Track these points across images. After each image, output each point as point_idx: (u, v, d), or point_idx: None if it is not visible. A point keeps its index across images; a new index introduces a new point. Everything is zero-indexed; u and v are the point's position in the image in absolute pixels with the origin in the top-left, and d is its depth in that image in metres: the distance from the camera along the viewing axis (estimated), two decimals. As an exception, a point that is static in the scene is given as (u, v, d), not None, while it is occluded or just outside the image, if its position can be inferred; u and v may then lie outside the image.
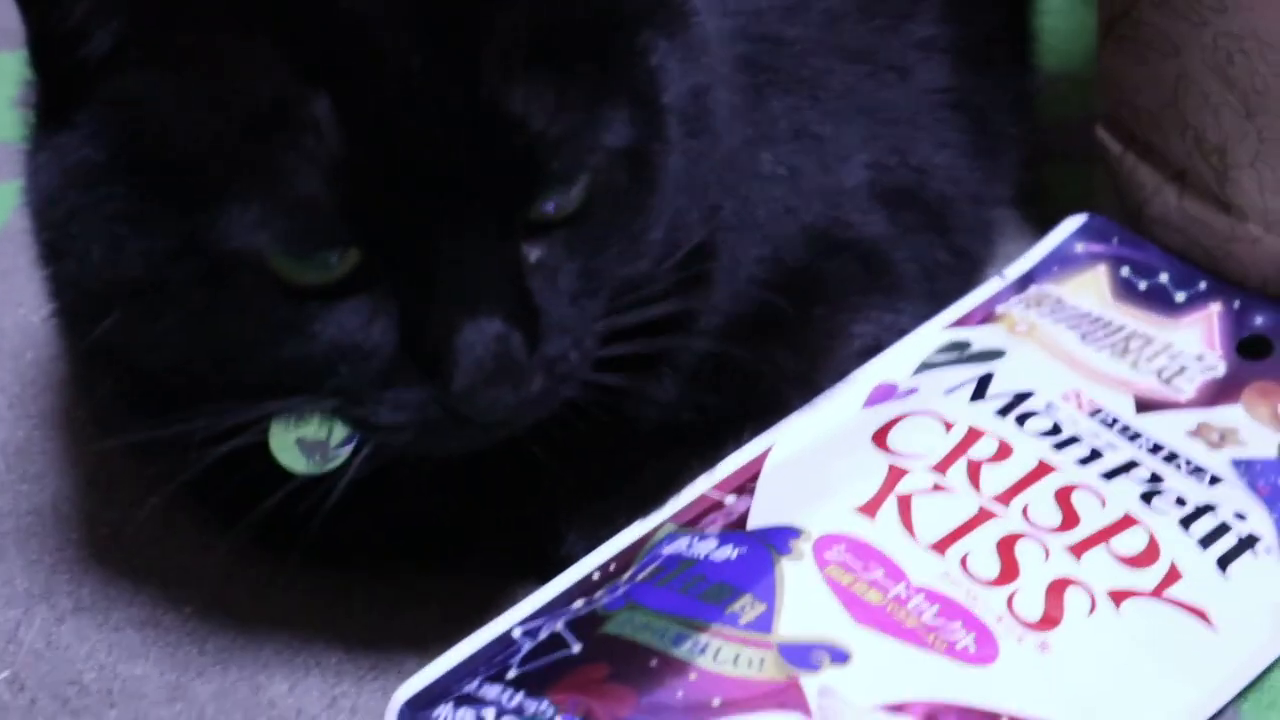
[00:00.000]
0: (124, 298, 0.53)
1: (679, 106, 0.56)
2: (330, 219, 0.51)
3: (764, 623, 0.57)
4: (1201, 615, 0.60)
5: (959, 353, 0.71)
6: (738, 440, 0.66)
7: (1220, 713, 0.59)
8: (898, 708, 0.55)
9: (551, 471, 0.61)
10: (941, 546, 0.61)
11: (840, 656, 0.56)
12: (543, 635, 0.59)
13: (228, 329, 0.53)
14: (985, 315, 0.73)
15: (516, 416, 0.54)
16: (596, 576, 0.62)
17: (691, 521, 0.64)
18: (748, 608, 0.58)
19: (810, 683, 0.55)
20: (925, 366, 0.70)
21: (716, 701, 0.55)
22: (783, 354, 0.65)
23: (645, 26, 0.55)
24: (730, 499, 0.64)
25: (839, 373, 0.69)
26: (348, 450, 0.57)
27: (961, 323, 0.73)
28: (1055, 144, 0.86)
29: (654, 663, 0.56)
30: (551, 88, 0.52)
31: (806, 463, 0.65)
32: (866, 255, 0.69)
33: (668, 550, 0.62)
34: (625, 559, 0.62)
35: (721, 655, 0.56)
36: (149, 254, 0.52)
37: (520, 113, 0.51)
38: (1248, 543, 0.63)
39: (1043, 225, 0.79)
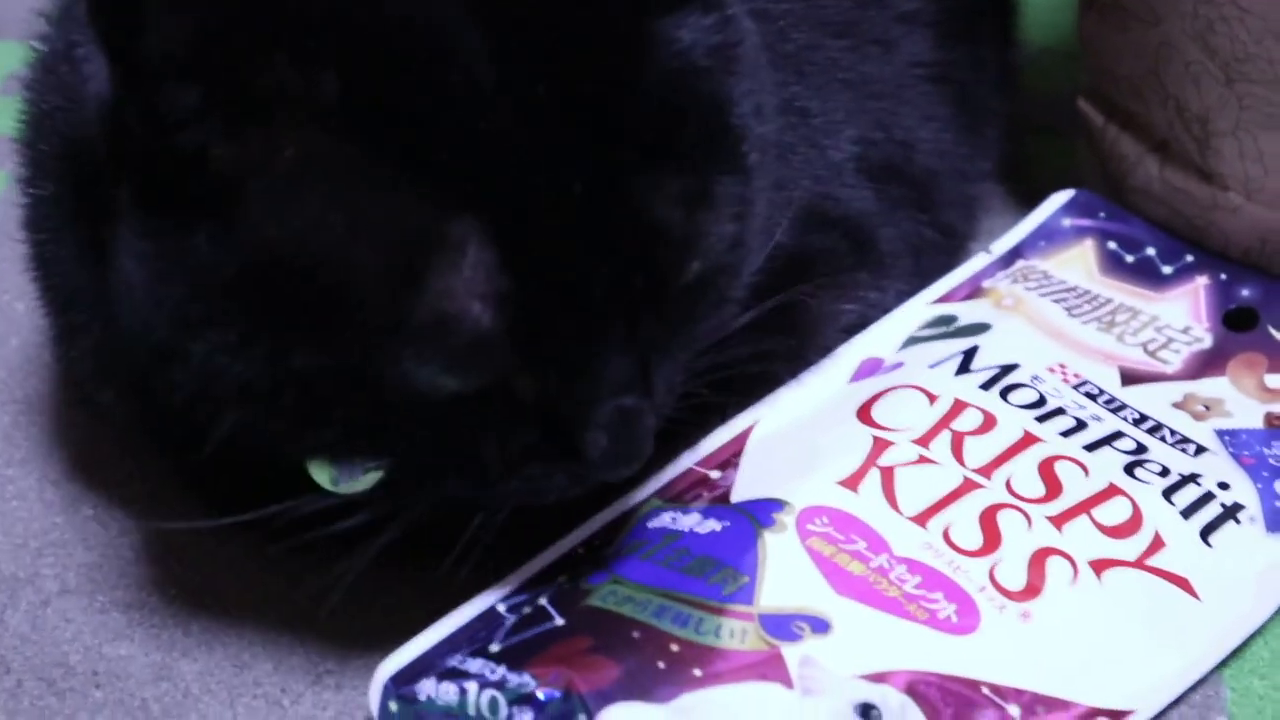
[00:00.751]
0: (252, 404, 0.52)
1: (757, 153, 0.55)
2: (503, 351, 0.51)
3: (746, 594, 0.57)
4: (1184, 584, 0.60)
5: (945, 327, 0.71)
6: (722, 418, 0.66)
7: (1203, 680, 0.59)
8: (879, 677, 0.55)
9: None
10: (924, 518, 0.60)
11: (821, 626, 0.56)
12: (526, 610, 0.59)
13: (374, 435, 0.53)
14: (971, 290, 0.73)
15: None
16: (581, 551, 0.62)
17: (676, 496, 0.64)
18: (730, 580, 0.58)
19: (791, 653, 0.55)
20: (911, 341, 0.70)
21: (698, 673, 0.55)
22: (773, 336, 0.65)
23: (722, 75, 0.54)
24: (715, 474, 0.64)
25: (826, 350, 0.69)
26: (375, 475, 0.57)
27: (947, 298, 0.73)
28: (1039, 117, 0.86)
29: (636, 635, 0.56)
30: (683, 188, 0.52)
31: (791, 437, 0.65)
32: (853, 232, 0.69)
33: (652, 524, 0.62)
34: (609, 534, 0.62)
35: (704, 627, 0.56)
36: (300, 374, 0.51)
37: (665, 222, 0.51)
38: (1231, 512, 0.63)
39: (1027, 200, 0.79)
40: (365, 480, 0.57)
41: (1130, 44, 0.73)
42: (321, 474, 0.57)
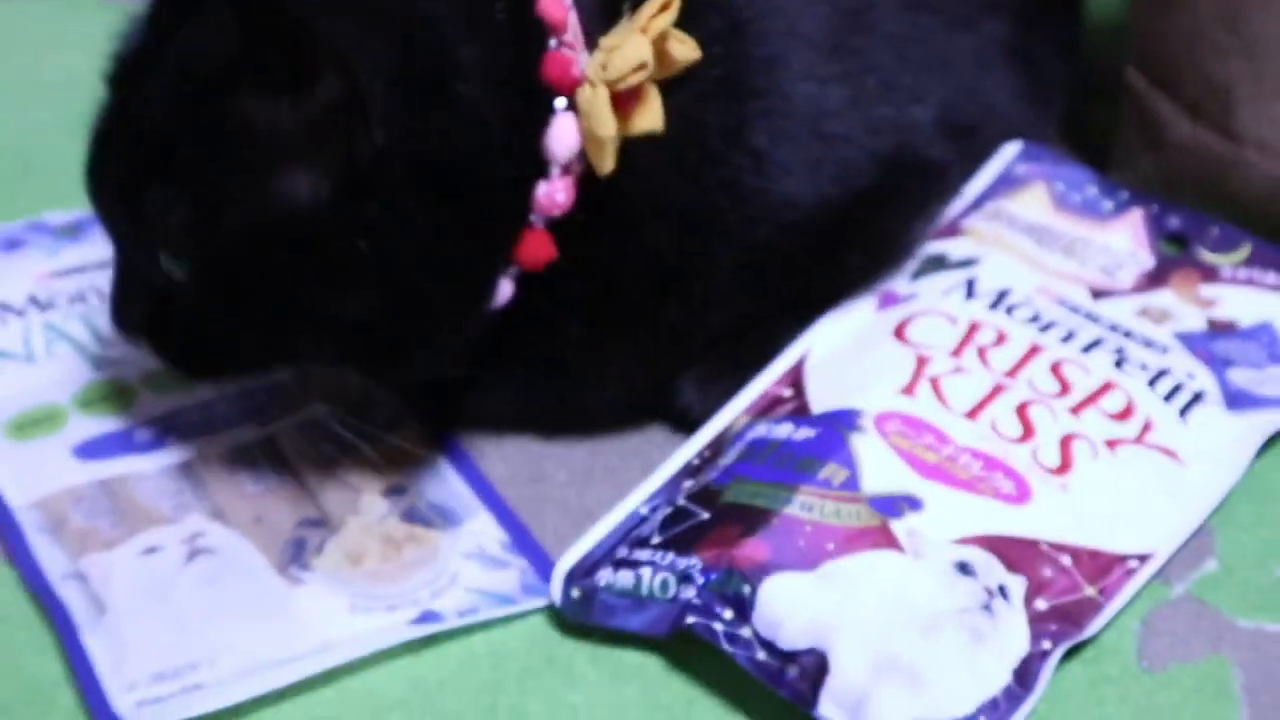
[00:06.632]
0: None
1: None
2: None
3: (852, 484, 0.71)
4: (1173, 455, 0.76)
5: (941, 262, 0.85)
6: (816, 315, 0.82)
7: (1199, 530, 0.75)
8: (966, 540, 0.70)
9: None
10: (973, 414, 0.75)
11: (916, 504, 0.71)
12: (667, 510, 0.72)
13: None
14: (953, 229, 0.88)
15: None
16: (696, 462, 0.75)
17: (761, 413, 0.77)
18: (836, 474, 0.72)
19: (898, 526, 0.69)
20: (918, 275, 0.84)
21: (831, 546, 0.69)
22: (854, 254, 0.80)
23: None
24: (787, 391, 0.78)
25: (899, 265, 0.84)
26: None
27: (936, 234, 0.87)
28: (1093, 82, 0.99)
29: (775, 521, 0.70)
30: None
31: (844, 358, 0.79)
32: (931, 173, 0.83)
33: (750, 436, 0.75)
34: (715, 446, 0.76)
35: (826, 511, 0.70)
36: None
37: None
38: (1199, 397, 0.78)
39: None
40: None
41: (1170, 26, 0.89)
42: None
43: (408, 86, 0.67)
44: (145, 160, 0.69)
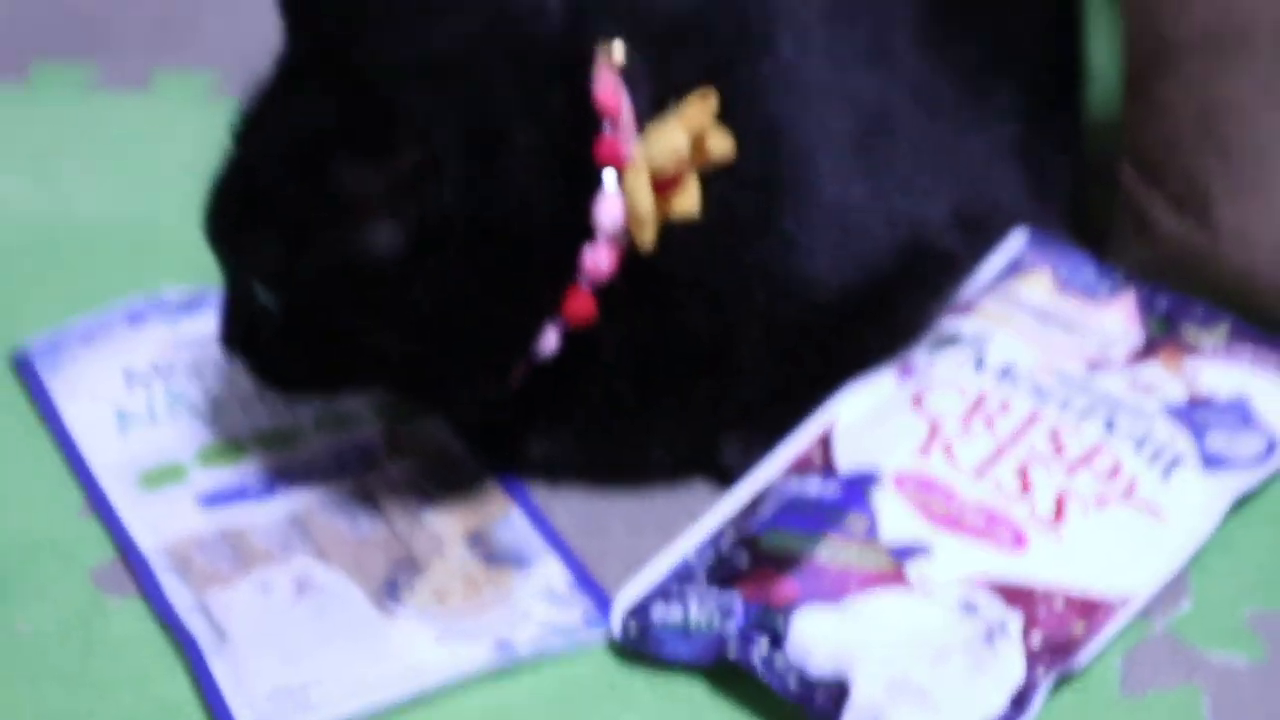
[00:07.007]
0: None
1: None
2: None
3: (872, 532, 0.82)
4: (1155, 510, 0.87)
5: (955, 338, 0.96)
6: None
7: (1176, 577, 0.86)
8: (971, 582, 0.81)
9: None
10: (979, 473, 0.86)
11: (927, 551, 0.82)
12: (712, 557, 0.83)
13: None
14: (966, 307, 0.98)
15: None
16: (739, 515, 0.87)
17: (794, 470, 0.88)
18: (858, 523, 0.83)
19: (911, 569, 0.81)
20: (934, 349, 0.95)
21: (853, 585, 0.80)
22: (873, 331, 0.91)
23: None
24: (817, 452, 0.89)
25: (914, 342, 0.94)
26: None
27: (950, 310, 0.98)
28: (1097, 176, 1.08)
29: (805, 564, 0.81)
30: None
31: (867, 423, 0.90)
32: (942, 260, 0.94)
33: (784, 491, 0.86)
34: (758, 500, 0.87)
35: (849, 555, 0.81)
36: None
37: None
38: (1178, 460, 0.89)
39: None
40: None
41: (1157, 128, 1.00)
42: None
43: (471, 158, 0.77)
44: (251, 205, 0.81)
